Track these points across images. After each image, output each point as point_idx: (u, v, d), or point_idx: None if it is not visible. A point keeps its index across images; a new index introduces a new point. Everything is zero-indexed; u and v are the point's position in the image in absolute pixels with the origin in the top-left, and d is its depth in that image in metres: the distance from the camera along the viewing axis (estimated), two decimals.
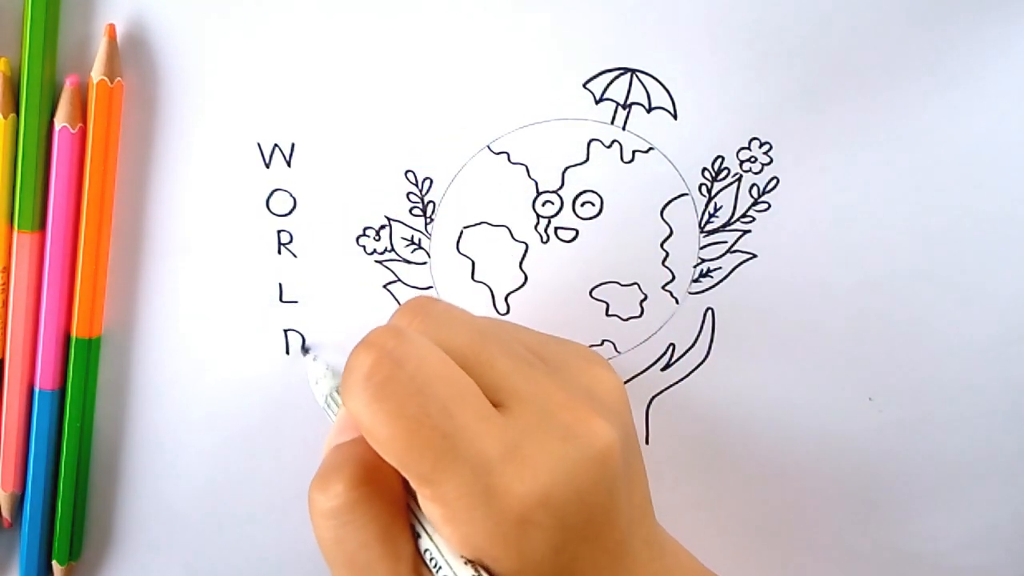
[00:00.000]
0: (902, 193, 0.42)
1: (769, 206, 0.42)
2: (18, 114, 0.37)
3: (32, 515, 0.41)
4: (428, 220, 0.41)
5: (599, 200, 0.41)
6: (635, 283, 0.43)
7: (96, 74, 0.37)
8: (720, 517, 0.46)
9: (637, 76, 0.40)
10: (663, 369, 0.44)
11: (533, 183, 0.41)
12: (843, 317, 0.44)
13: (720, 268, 0.43)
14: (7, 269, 0.38)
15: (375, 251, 0.41)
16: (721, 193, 0.42)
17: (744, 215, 0.42)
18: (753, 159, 0.41)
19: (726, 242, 0.43)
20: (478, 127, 0.40)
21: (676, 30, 0.39)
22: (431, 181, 0.40)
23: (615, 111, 0.40)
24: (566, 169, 0.41)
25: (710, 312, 0.43)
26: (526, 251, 0.42)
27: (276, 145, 0.39)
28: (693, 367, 0.44)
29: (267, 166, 0.40)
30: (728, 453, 0.45)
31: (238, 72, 0.38)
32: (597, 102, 0.40)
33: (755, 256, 0.43)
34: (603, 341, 0.43)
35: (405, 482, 0.33)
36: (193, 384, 0.42)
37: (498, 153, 0.40)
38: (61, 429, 0.41)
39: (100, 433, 0.42)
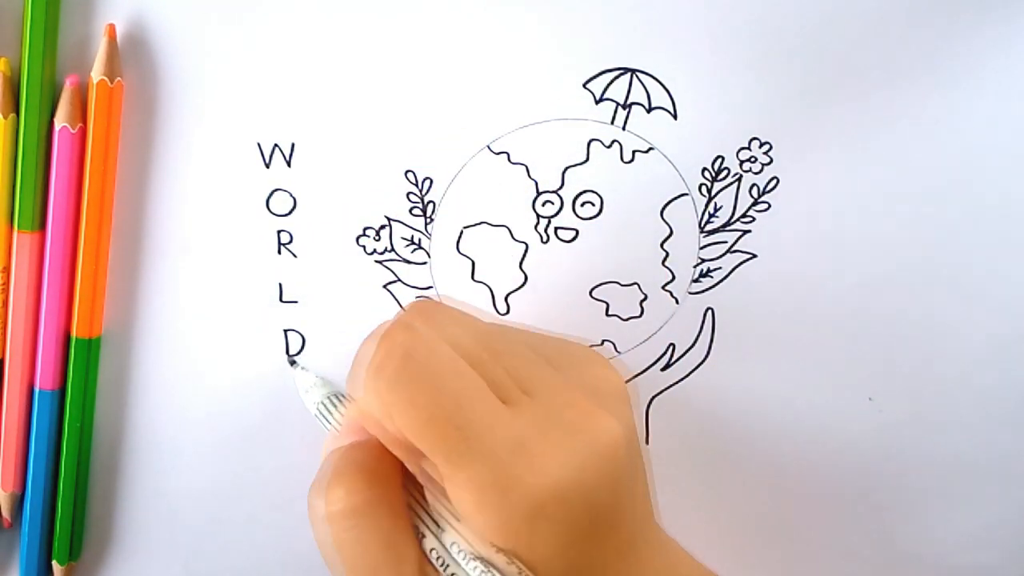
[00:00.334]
0: (902, 193, 0.42)
1: (769, 206, 0.42)
2: (18, 114, 0.37)
3: (32, 515, 0.41)
4: (428, 220, 0.41)
5: (599, 200, 0.41)
6: (635, 283, 0.43)
7: (96, 74, 0.37)
8: (720, 517, 0.46)
9: (637, 76, 0.40)
10: (663, 369, 0.44)
11: (533, 183, 0.41)
12: (843, 317, 0.44)
13: (720, 268, 0.43)
14: (7, 269, 0.38)
15: (375, 251, 0.41)
16: (721, 193, 0.42)
17: (744, 215, 0.42)
18: (753, 159, 0.41)
19: (726, 242, 0.43)
20: (478, 127, 0.40)
21: (676, 30, 0.39)
22: (431, 181, 0.40)
23: (615, 111, 0.40)
24: (566, 169, 0.41)
25: (710, 312, 0.43)
26: (526, 251, 0.42)
27: (276, 145, 0.39)
28: (693, 367, 0.44)
29: (267, 166, 0.40)
30: (728, 453, 0.45)
31: (238, 72, 0.38)
32: (597, 102, 0.40)
33: (755, 256, 0.43)
34: (603, 341, 0.43)
35: (406, 483, 0.33)
36: (193, 384, 0.42)
37: (498, 153, 0.40)
38: (61, 429, 0.41)
39: (100, 433, 0.42)
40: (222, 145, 0.39)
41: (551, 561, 0.30)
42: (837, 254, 0.43)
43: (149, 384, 0.41)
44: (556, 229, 0.42)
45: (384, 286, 0.42)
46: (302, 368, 0.40)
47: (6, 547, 0.43)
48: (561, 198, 0.41)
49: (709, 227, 0.42)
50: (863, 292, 0.43)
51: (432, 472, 0.32)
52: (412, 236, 0.41)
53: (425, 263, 0.41)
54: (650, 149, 0.41)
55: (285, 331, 0.42)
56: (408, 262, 0.41)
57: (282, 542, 0.44)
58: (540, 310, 0.42)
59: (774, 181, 0.42)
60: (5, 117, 0.37)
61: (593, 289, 0.43)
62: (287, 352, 0.42)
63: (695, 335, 0.44)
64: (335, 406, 0.37)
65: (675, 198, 0.42)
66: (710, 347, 0.44)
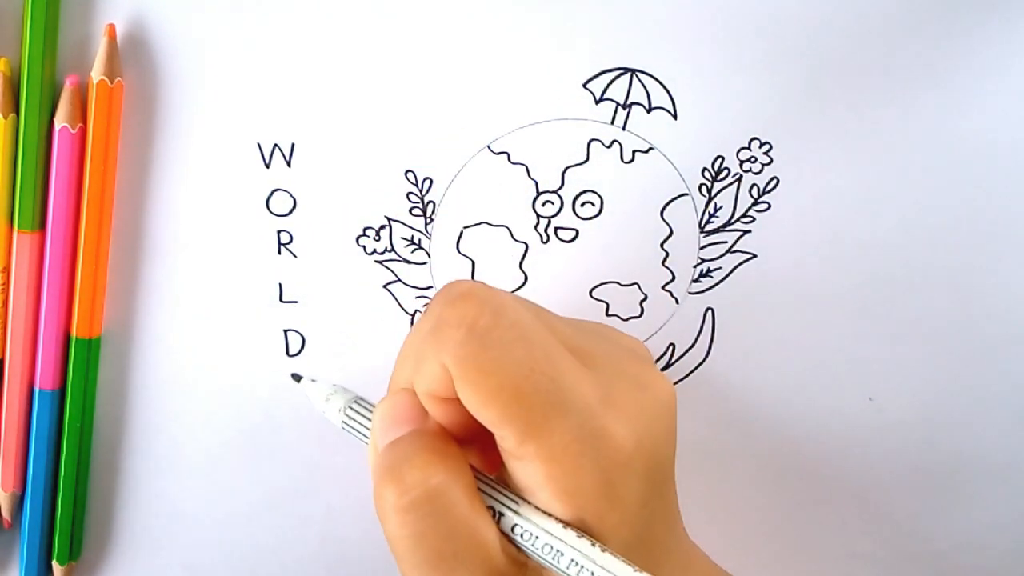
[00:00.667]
0: (902, 193, 0.42)
1: (769, 206, 0.42)
2: (18, 114, 0.37)
3: (32, 515, 0.41)
4: (428, 220, 0.41)
5: (599, 200, 0.41)
6: (635, 283, 0.43)
7: (96, 74, 0.37)
8: (720, 517, 0.46)
9: (637, 76, 0.40)
10: (663, 369, 0.44)
11: (533, 183, 0.41)
12: (843, 317, 0.44)
13: (720, 268, 0.43)
14: (7, 269, 0.38)
15: (375, 251, 0.41)
16: (721, 193, 0.42)
17: (744, 215, 0.42)
18: (753, 159, 0.41)
19: (726, 242, 0.43)
20: (478, 127, 0.40)
21: (676, 30, 0.39)
22: (431, 181, 0.40)
23: (615, 111, 0.40)
24: (566, 169, 0.41)
25: (710, 312, 0.43)
26: (526, 251, 0.42)
27: (276, 145, 0.39)
28: (693, 367, 0.44)
29: (267, 166, 0.40)
30: (728, 453, 0.45)
31: (238, 72, 0.38)
32: (597, 102, 0.40)
33: (755, 256, 0.43)
34: None
35: (478, 462, 0.32)
36: (193, 384, 0.42)
37: (498, 153, 0.40)
38: (61, 429, 0.41)
39: (100, 433, 0.42)
40: (222, 145, 0.39)
41: (636, 518, 0.30)
42: (837, 254, 0.43)
43: (149, 384, 0.41)
44: (556, 229, 0.42)
45: (384, 286, 0.42)
46: (311, 380, 0.38)
47: (6, 547, 0.43)
48: (561, 198, 0.41)
49: (709, 227, 0.42)
50: (863, 292, 0.43)
51: (502, 446, 0.30)
52: (412, 236, 0.41)
53: (425, 263, 0.41)
54: (650, 149, 0.41)
55: (285, 331, 0.42)
56: (408, 262, 0.41)
57: (282, 542, 0.44)
58: None
59: (774, 181, 0.42)
60: (5, 117, 0.37)
61: (593, 289, 0.43)
62: (287, 352, 0.42)
63: (695, 335, 0.44)
64: (365, 409, 0.36)
65: (675, 198, 0.42)
66: (710, 347, 0.44)
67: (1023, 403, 0.46)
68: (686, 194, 0.42)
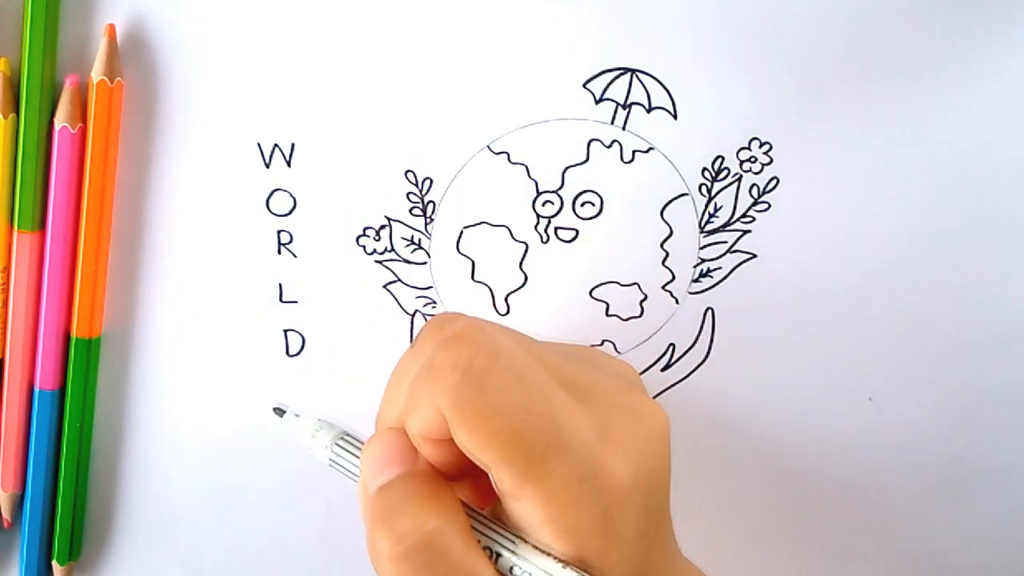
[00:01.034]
0: (902, 193, 0.42)
1: (769, 206, 0.42)
2: (18, 114, 0.37)
3: (32, 515, 0.41)
4: (428, 220, 0.41)
5: (599, 200, 0.41)
6: (635, 283, 0.43)
7: (96, 74, 0.37)
8: (720, 517, 0.46)
9: (637, 76, 0.40)
10: (663, 370, 0.44)
11: (533, 183, 0.41)
12: (843, 317, 0.44)
13: (720, 268, 0.43)
14: (7, 269, 0.38)
15: (375, 251, 0.41)
16: (721, 193, 0.42)
17: (744, 215, 0.42)
18: (753, 159, 0.41)
19: (726, 242, 0.43)
20: (478, 127, 0.40)
21: (676, 30, 0.39)
22: (431, 181, 0.40)
23: (615, 111, 0.40)
24: (566, 169, 0.41)
25: (710, 312, 0.43)
26: (526, 251, 0.42)
27: (276, 145, 0.39)
28: (693, 367, 0.44)
29: (267, 166, 0.40)
30: (728, 454, 0.45)
31: (238, 72, 0.38)
32: (597, 102, 0.40)
33: (755, 256, 0.43)
34: (603, 341, 0.43)
35: (470, 496, 0.32)
36: (193, 384, 0.42)
37: (498, 153, 0.40)
38: (61, 429, 0.41)
39: (100, 433, 0.42)
40: (222, 145, 0.39)
41: (635, 552, 0.30)
42: (837, 254, 0.43)
43: (149, 384, 0.41)
44: (556, 229, 0.42)
45: (384, 286, 0.42)
46: (295, 414, 0.36)
47: (6, 547, 0.43)
48: (561, 198, 0.41)
49: (709, 227, 0.42)
50: (863, 292, 0.43)
51: (498, 486, 0.30)
52: (412, 236, 0.41)
53: (425, 263, 0.41)
54: (650, 149, 0.41)
55: (285, 331, 0.42)
56: (408, 262, 0.41)
57: (282, 542, 0.44)
58: (540, 310, 0.42)
59: (774, 181, 0.42)
60: (5, 117, 0.37)
61: (593, 289, 0.43)
62: (287, 352, 0.42)
63: (695, 335, 0.44)
64: (352, 446, 0.34)
65: (675, 198, 0.42)
66: (710, 347, 0.44)
67: (1023, 403, 0.46)
68: (686, 194, 0.42)
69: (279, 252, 0.41)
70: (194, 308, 0.41)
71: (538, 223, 0.41)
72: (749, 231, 0.42)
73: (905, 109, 0.41)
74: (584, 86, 0.40)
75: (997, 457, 0.46)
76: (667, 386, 0.44)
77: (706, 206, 0.42)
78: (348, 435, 0.35)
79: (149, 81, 0.38)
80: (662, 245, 0.42)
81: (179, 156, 0.39)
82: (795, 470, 0.46)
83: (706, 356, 0.44)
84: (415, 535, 0.29)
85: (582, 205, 0.41)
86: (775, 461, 0.46)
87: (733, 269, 0.43)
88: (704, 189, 0.42)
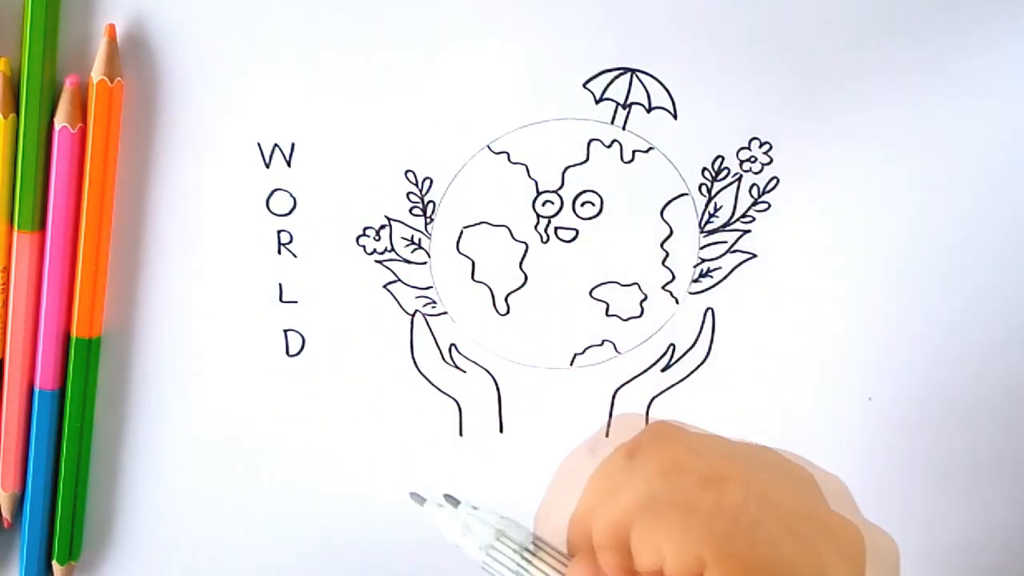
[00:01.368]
0: (902, 193, 0.42)
1: (769, 206, 0.42)
2: (18, 114, 0.37)
3: (32, 515, 0.41)
4: (428, 220, 0.41)
5: (599, 200, 0.41)
6: (635, 283, 0.43)
7: (96, 74, 0.37)
8: None
9: (637, 76, 0.40)
10: (663, 370, 0.44)
11: (533, 183, 0.41)
12: (843, 317, 0.44)
13: (720, 268, 0.43)
14: (7, 269, 0.38)
15: (375, 251, 0.41)
16: (721, 193, 0.42)
17: (744, 215, 0.42)
18: (753, 159, 0.41)
19: (726, 242, 0.43)
20: (478, 127, 0.40)
21: (676, 30, 0.39)
22: (431, 181, 0.40)
23: (615, 111, 0.40)
24: (566, 169, 0.41)
25: (710, 312, 0.43)
26: (526, 251, 0.42)
27: (276, 145, 0.39)
28: (693, 367, 0.44)
29: (267, 166, 0.40)
30: None
31: (238, 72, 0.38)
32: (597, 102, 0.40)
33: (755, 256, 0.43)
34: (603, 341, 0.43)
35: None
36: (193, 384, 0.42)
37: (498, 153, 0.40)
38: (61, 429, 0.41)
39: (100, 433, 0.42)
40: (222, 145, 0.39)
41: None
42: (837, 254, 0.43)
43: (149, 384, 0.41)
44: (556, 229, 0.42)
45: (384, 286, 0.42)
46: (438, 504, 0.32)
47: (6, 547, 0.43)
48: (561, 198, 0.41)
49: (709, 227, 0.42)
50: (863, 292, 0.43)
51: None
52: (412, 236, 0.41)
53: (425, 263, 0.41)
54: (650, 149, 0.41)
55: (285, 331, 0.42)
56: (408, 262, 0.41)
57: (282, 542, 0.44)
58: (540, 310, 0.42)
59: (774, 181, 0.42)
60: (5, 117, 0.37)
61: (593, 289, 0.43)
62: (287, 352, 0.42)
63: (695, 335, 0.44)
64: (533, 555, 0.31)
65: (675, 198, 0.42)
66: (710, 347, 0.44)
67: (1023, 403, 0.46)
68: (686, 194, 0.42)
69: (279, 252, 0.41)
70: (194, 308, 0.41)
71: (538, 223, 0.41)
72: (749, 231, 0.42)
73: (905, 109, 0.41)
74: (584, 86, 0.40)
75: (997, 457, 0.46)
76: (667, 386, 0.44)
77: (706, 206, 0.42)
78: (505, 535, 0.32)
79: (149, 81, 0.38)
80: (662, 245, 0.42)
81: (179, 156, 0.39)
82: None
83: (706, 356, 0.44)
84: None
85: (582, 205, 0.41)
86: None
87: (733, 269, 0.43)
88: (704, 189, 0.42)
